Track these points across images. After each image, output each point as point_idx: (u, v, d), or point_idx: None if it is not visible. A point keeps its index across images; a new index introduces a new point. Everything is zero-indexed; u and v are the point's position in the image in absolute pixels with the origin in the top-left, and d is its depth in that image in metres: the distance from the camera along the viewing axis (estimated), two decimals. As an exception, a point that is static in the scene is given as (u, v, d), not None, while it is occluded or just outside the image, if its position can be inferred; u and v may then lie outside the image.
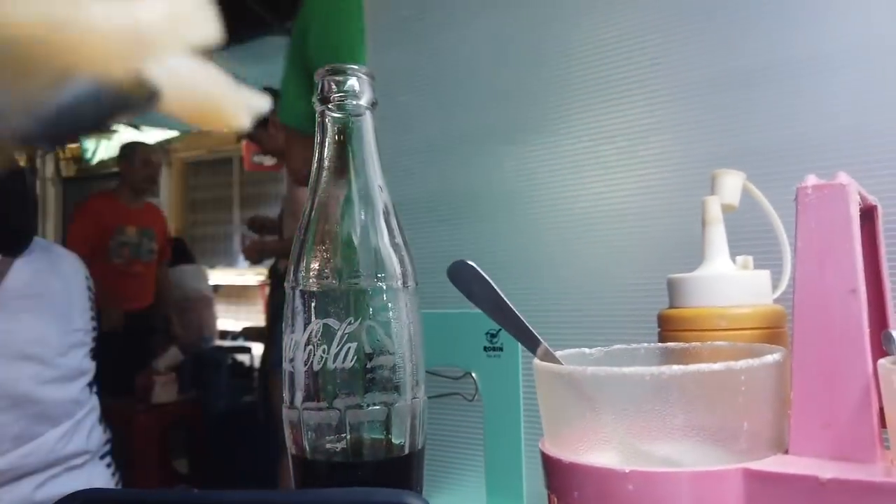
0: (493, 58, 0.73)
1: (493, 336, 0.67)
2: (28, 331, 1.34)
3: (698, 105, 0.61)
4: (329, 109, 0.43)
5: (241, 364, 3.23)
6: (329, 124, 0.44)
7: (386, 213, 0.43)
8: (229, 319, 4.75)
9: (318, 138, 0.44)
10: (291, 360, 0.41)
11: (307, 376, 0.40)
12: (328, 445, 0.40)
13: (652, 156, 0.65)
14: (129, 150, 2.97)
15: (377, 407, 0.40)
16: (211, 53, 0.24)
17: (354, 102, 0.43)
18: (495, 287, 0.34)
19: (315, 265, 0.41)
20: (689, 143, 0.62)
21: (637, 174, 0.65)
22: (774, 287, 0.47)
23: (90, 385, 1.42)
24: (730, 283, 0.44)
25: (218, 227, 5.56)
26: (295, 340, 0.41)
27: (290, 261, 0.42)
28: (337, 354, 0.39)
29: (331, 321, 0.40)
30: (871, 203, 0.39)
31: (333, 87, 0.43)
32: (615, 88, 0.67)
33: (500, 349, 0.67)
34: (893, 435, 0.29)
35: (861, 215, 0.41)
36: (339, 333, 0.39)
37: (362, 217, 0.42)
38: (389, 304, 0.41)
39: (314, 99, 0.43)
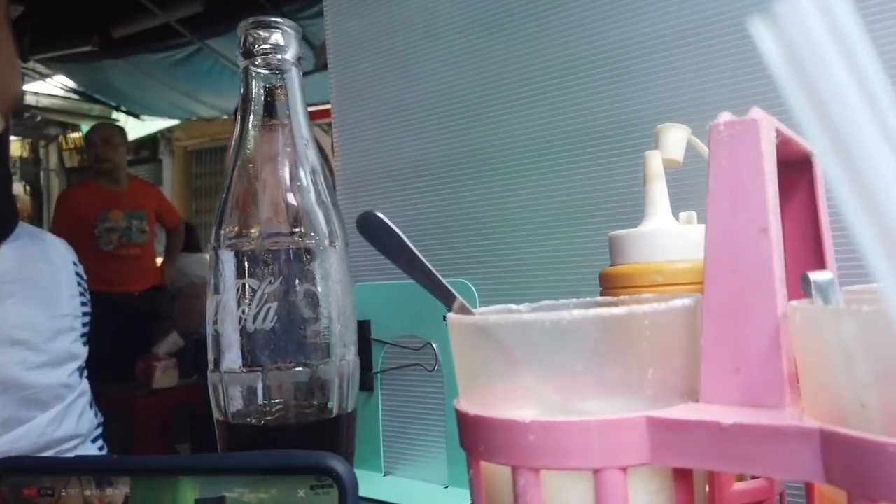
0: (455, 21, 0.71)
1: (452, 305, 0.66)
2: (15, 316, 1.34)
3: (644, 62, 0.60)
4: (254, 65, 0.42)
5: (242, 349, 3.24)
6: (253, 80, 0.42)
7: (313, 172, 0.42)
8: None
9: (241, 94, 0.42)
10: (215, 323, 0.40)
11: (227, 339, 0.39)
12: (251, 409, 0.39)
13: (605, 118, 0.63)
14: (91, 133, 2.95)
15: (300, 369, 0.39)
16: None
17: (280, 57, 0.42)
18: (406, 239, 0.33)
19: (236, 225, 0.40)
20: (636, 98, 0.60)
21: (590, 137, 0.64)
22: (721, 243, 0.45)
23: (80, 370, 1.42)
24: (669, 238, 0.42)
25: (221, 215, 5.57)
26: (217, 302, 0.40)
27: (212, 221, 0.41)
28: (256, 315, 0.38)
29: (251, 281, 0.39)
30: (805, 149, 0.37)
31: (258, 41, 0.42)
32: (574, 46, 0.65)
33: (461, 318, 0.66)
34: (803, 379, 0.27)
35: (798, 163, 0.39)
36: (259, 293, 0.38)
37: (287, 175, 0.41)
38: (315, 264, 0.40)
39: (237, 53, 0.42)
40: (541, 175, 0.67)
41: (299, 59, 0.43)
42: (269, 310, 0.38)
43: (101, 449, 1.43)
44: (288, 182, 0.41)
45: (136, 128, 5.21)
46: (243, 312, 0.38)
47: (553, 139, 0.67)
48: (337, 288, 0.41)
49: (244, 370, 0.39)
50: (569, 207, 0.66)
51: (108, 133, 2.90)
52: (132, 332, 2.69)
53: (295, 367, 0.39)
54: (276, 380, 0.39)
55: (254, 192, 0.41)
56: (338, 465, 0.35)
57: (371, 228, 0.33)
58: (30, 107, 4.91)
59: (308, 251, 0.40)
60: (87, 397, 1.44)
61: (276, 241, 0.40)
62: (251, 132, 0.42)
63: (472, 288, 0.65)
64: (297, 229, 0.40)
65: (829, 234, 0.38)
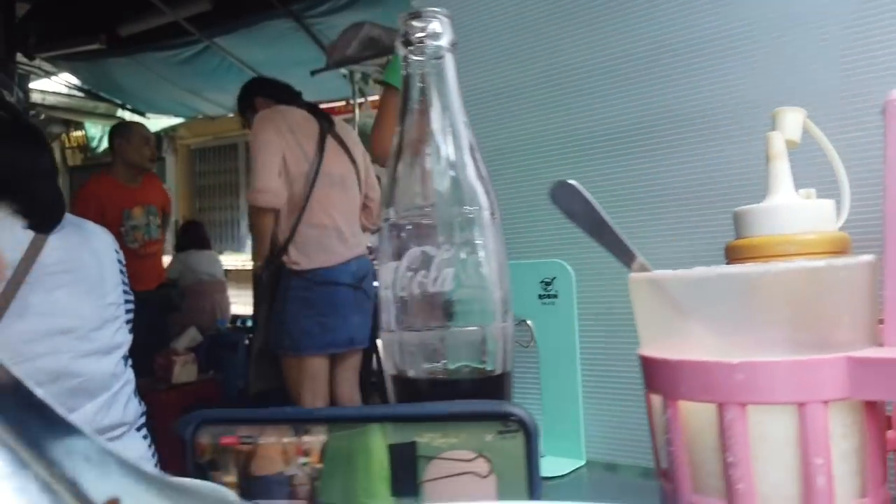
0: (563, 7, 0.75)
1: (547, 284, 0.70)
2: (64, 305, 1.36)
3: (760, 47, 0.63)
4: (412, 52, 0.45)
5: (256, 345, 3.27)
6: (413, 66, 0.46)
7: (471, 149, 0.45)
8: (238, 304, 4.78)
9: (402, 79, 0.46)
10: (389, 288, 0.43)
11: (405, 301, 0.43)
12: (426, 365, 0.43)
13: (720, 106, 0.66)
14: (124, 129, 2.95)
15: (472, 328, 0.43)
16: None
17: (435, 44, 0.45)
18: (596, 206, 0.37)
19: (408, 198, 0.44)
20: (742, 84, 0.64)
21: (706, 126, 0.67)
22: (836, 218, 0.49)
23: (125, 358, 1.45)
24: (796, 212, 0.46)
25: (225, 213, 5.58)
26: (393, 268, 0.43)
27: (382, 198, 0.45)
28: (435, 279, 0.42)
29: (428, 248, 0.42)
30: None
31: (415, 30, 0.45)
32: (686, 24, 0.68)
33: (555, 296, 0.69)
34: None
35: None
36: (437, 260, 0.42)
37: (450, 152, 0.45)
38: (478, 233, 0.44)
39: (397, 42, 0.46)
40: (651, 155, 0.70)
41: (453, 44, 0.46)
42: (446, 275, 0.42)
43: (145, 438, 1.46)
44: (451, 158, 0.44)
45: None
46: (423, 276, 0.42)
47: (659, 121, 0.69)
48: (498, 256, 0.44)
49: (420, 330, 0.42)
50: (677, 186, 0.68)
51: (147, 133, 2.94)
52: (150, 327, 2.71)
53: (465, 327, 0.42)
54: (450, 339, 0.42)
55: (420, 169, 0.44)
56: (521, 412, 0.39)
57: (564, 196, 0.37)
58: (34, 104, 4.91)
59: (473, 221, 0.43)
60: (132, 385, 1.47)
61: (445, 213, 0.43)
62: (413, 115, 0.45)
63: (569, 268, 0.69)
64: (462, 201, 0.44)
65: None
